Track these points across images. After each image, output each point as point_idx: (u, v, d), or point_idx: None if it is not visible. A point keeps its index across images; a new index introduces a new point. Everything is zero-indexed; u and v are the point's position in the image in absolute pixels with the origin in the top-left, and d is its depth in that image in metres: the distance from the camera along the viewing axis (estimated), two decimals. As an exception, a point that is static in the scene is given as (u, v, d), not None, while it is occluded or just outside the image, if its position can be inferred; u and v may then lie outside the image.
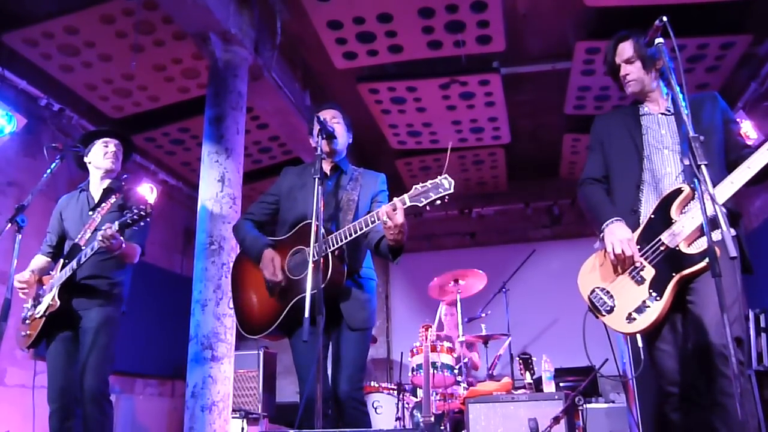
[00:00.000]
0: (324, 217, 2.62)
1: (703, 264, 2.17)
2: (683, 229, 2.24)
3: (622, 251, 2.29)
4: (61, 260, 3.20)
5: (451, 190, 2.23)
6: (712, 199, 1.89)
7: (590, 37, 5.41)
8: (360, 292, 2.63)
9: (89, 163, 3.39)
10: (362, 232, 2.44)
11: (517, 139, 7.21)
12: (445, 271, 5.39)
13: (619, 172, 2.47)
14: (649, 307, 2.23)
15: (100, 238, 2.92)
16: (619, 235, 2.32)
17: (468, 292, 5.49)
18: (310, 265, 2.27)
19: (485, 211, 8.50)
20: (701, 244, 2.22)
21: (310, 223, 2.39)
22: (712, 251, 1.86)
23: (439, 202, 2.26)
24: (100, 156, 3.36)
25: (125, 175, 3.47)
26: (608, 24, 5.24)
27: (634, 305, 2.26)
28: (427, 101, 6.20)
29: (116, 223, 2.93)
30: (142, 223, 2.93)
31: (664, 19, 2.18)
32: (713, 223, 1.88)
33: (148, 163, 6.91)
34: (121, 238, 2.97)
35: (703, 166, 1.91)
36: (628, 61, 2.50)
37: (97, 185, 3.38)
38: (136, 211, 2.91)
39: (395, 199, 2.34)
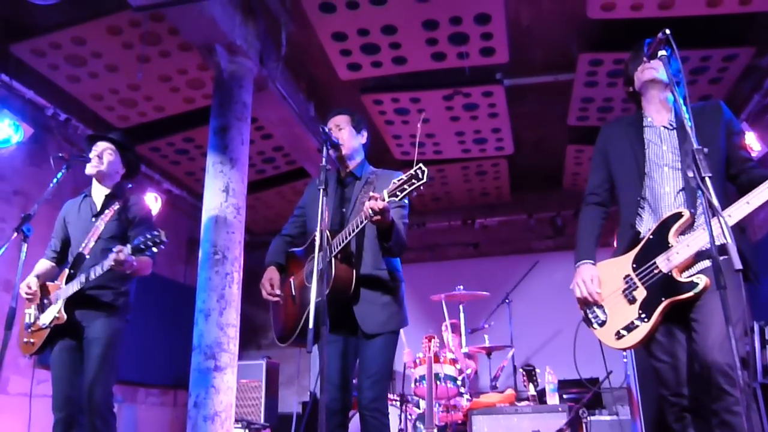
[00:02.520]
0: (336, 225, 2.69)
1: (691, 294, 2.17)
2: (677, 256, 2.23)
3: (585, 296, 2.37)
4: (67, 270, 3.19)
5: (425, 180, 2.26)
6: (716, 211, 1.87)
7: (593, 49, 5.42)
8: (375, 295, 2.60)
9: None
10: (357, 230, 2.48)
11: (520, 150, 7.22)
12: (448, 282, 5.39)
13: (622, 186, 2.47)
14: (637, 327, 2.26)
15: (113, 261, 2.92)
16: (584, 276, 2.39)
17: (472, 298, 5.48)
18: (314, 275, 2.31)
19: (488, 222, 8.49)
20: (693, 272, 2.23)
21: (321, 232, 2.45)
22: (717, 265, 1.84)
23: (415, 193, 2.31)
24: (89, 164, 3.34)
25: (129, 185, 3.45)
26: (611, 36, 5.28)
27: (624, 323, 2.29)
28: (430, 112, 6.24)
29: (129, 246, 2.92)
30: (154, 250, 2.89)
31: (667, 31, 2.18)
32: (718, 249, 1.86)
33: (153, 172, 6.91)
34: (133, 259, 2.97)
35: (707, 179, 1.90)
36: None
37: (98, 191, 3.36)
38: (149, 236, 2.89)
39: (375, 194, 2.41)
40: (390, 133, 6.64)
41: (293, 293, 2.73)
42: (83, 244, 3.20)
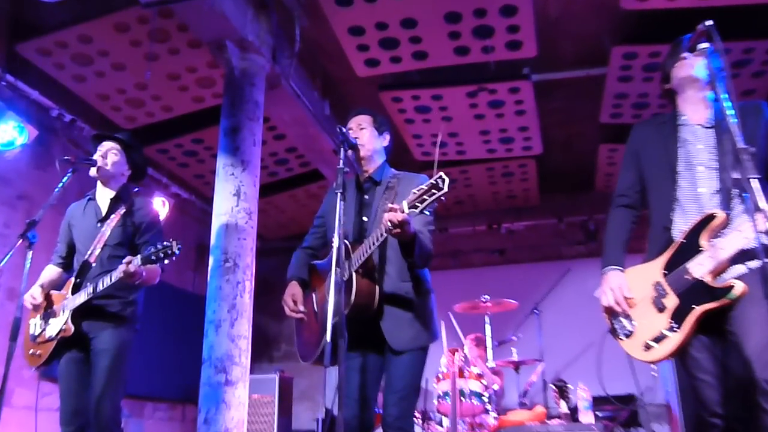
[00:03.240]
0: (356, 235, 2.67)
1: (726, 300, 2.11)
2: (710, 260, 2.18)
3: (612, 305, 2.35)
4: (72, 279, 3.21)
5: (446, 189, 2.23)
6: (765, 213, 1.85)
7: (627, 42, 5.37)
8: (400, 310, 2.59)
9: None
10: (378, 243, 2.45)
11: (550, 149, 7.16)
12: (472, 291, 5.26)
13: (654, 186, 2.45)
14: (667, 337, 2.21)
15: (122, 273, 2.95)
16: (611, 284, 2.38)
17: (498, 308, 5.43)
18: (331, 291, 2.30)
19: (515, 227, 8.42)
20: (727, 278, 2.18)
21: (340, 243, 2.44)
22: (765, 272, 1.81)
23: (436, 203, 2.28)
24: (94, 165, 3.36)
25: (135, 188, 3.47)
26: (646, 27, 5.24)
27: (653, 333, 2.25)
28: (453, 110, 6.19)
29: (139, 257, 2.94)
30: (166, 261, 2.91)
31: (709, 23, 2.16)
32: (749, 253, 1.85)
33: (160, 175, 6.96)
34: (143, 269, 2.99)
35: (756, 180, 1.88)
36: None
37: (103, 194, 3.38)
38: (161, 247, 2.90)
39: (394, 205, 2.38)
40: (410, 133, 6.63)
41: (315, 309, 2.72)
42: (89, 251, 3.22)
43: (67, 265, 3.39)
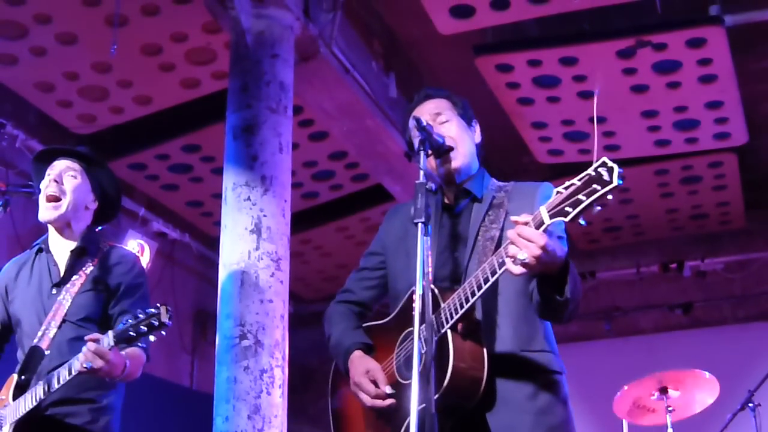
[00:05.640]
0: (448, 279, 2.73)
1: None
2: None
3: None
4: (15, 377, 3.22)
5: (614, 183, 2.18)
6: None
7: None
8: (522, 394, 2.59)
9: None
10: (487, 286, 2.47)
11: (759, 137, 7.19)
12: (640, 373, 5.37)
13: None
14: None
15: (82, 359, 2.92)
16: None
17: (686, 409, 5.48)
18: (415, 361, 2.33)
19: (708, 266, 8.45)
20: None
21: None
22: None
23: (599, 207, 2.24)
24: (42, 197, 3.35)
25: (99, 227, 3.51)
26: None
27: None
28: (596, 80, 6.14)
29: (110, 335, 2.93)
30: (152, 338, 2.93)
31: None
32: None
33: (135, 204, 7.04)
34: (122, 355, 3.03)
35: None
36: None
37: (59, 244, 3.41)
38: (143, 317, 2.90)
39: (522, 216, 2.37)
40: (527, 120, 6.61)
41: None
42: (39, 333, 3.25)
43: None
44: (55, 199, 3.32)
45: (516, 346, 2.62)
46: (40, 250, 3.45)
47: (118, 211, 3.69)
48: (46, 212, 3.31)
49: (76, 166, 3.41)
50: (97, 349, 2.89)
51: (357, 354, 2.83)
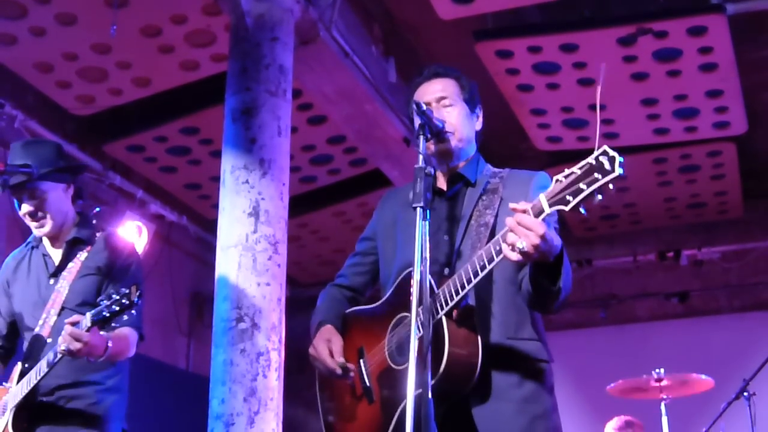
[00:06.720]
0: (441, 264, 2.72)
1: None
2: None
3: None
4: (19, 365, 3.35)
5: (616, 173, 2.19)
6: None
7: None
8: (509, 383, 2.60)
9: None
10: (484, 273, 2.46)
11: (758, 127, 7.25)
12: (635, 361, 5.84)
13: None
14: None
15: (60, 341, 3.02)
16: None
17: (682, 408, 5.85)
18: (412, 346, 2.30)
19: (705, 255, 8.55)
20: None
21: (412, 273, 2.42)
22: None
23: (599, 196, 2.23)
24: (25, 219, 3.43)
25: (96, 209, 3.69)
26: None
27: None
28: (596, 68, 6.22)
29: (87, 316, 3.00)
30: (133, 312, 3.03)
31: None
32: None
33: (134, 186, 7.12)
34: (106, 336, 3.10)
35: None
36: None
37: (54, 239, 3.55)
38: (116, 297, 2.99)
39: (521, 204, 2.36)
40: (526, 107, 6.66)
41: (367, 383, 2.75)
42: (39, 321, 3.36)
43: (9, 350, 3.57)
44: (39, 225, 3.44)
45: (504, 334, 2.65)
46: (35, 246, 3.57)
47: (77, 162, 3.66)
48: (35, 231, 3.46)
49: (40, 189, 3.43)
50: (72, 332, 2.97)
51: (327, 327, 2.85)
